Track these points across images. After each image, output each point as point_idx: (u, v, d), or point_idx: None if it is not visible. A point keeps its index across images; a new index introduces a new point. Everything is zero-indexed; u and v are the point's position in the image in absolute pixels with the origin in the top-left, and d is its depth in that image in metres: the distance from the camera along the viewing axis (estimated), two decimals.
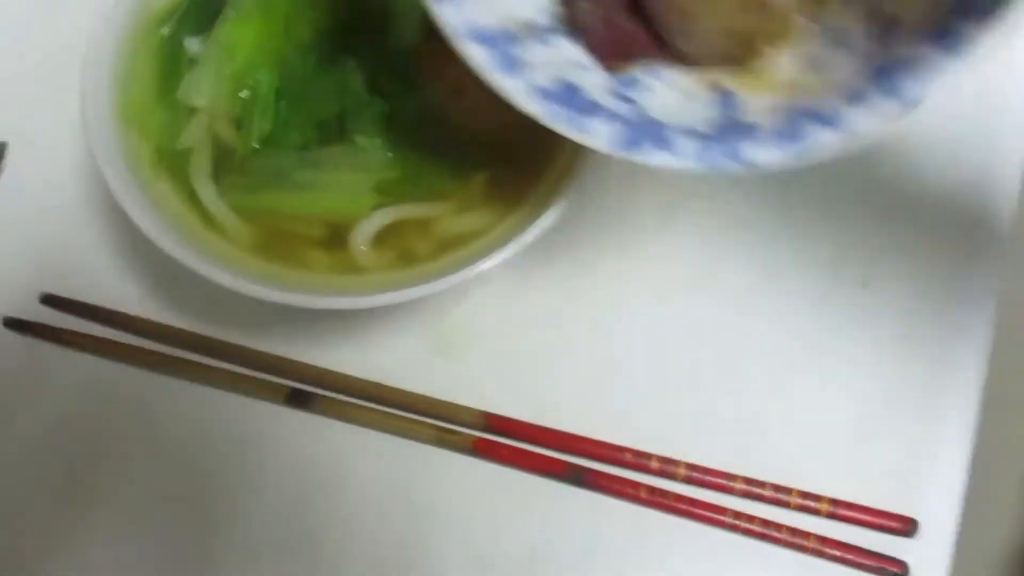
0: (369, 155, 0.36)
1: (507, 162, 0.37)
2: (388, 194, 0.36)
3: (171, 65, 0.38)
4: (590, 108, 0.29)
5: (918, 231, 0.43)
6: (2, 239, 0.43)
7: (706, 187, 0.44)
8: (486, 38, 0.29)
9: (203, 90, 0.36)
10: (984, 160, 0.44)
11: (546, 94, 0.29)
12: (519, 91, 0.28)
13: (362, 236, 0.35)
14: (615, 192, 0.43)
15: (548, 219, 0.33)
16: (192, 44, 0.38)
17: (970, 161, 0.44)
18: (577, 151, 0.35)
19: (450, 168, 0.37)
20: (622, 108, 0.30)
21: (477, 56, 0.28)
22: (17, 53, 0.46)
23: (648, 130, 0.29)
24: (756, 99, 0.30)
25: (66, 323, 0.42)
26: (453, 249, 0.35)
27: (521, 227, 0.34)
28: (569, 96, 0.29)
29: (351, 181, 0.36)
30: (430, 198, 0.36)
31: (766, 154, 0.28)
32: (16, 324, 0.42)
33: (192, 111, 0.37)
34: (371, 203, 0.36)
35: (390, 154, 0.36)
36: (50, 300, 0.42)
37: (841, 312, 0.42)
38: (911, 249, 0.43)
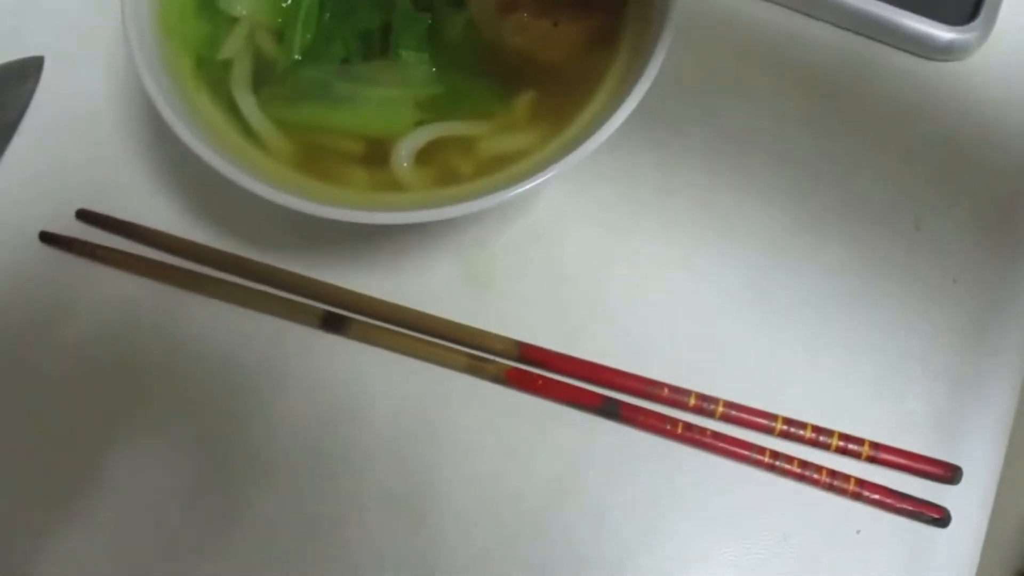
0: (413, 70, 0.35)
1: (554, 84, 0.35)
2: (431, 111, 0.35)
3: None
4: None
5: (972, 174, 0.42)
6: (39, 155, 0.43)
7: (754, 122, 0.43)
8: None
9: None
10: None
11: None
12: None
13: (404, 153, 0.34)
14: (662, 118, 0.42)
15: (591, 145, 0.32)
16: None
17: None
18: (625, 79, 0.34)
19: (495, 87, 0.35)
20: None
21: None
22: None
23: None
24: None
25: (100, 239, 0.41)
26: (495, 170, 0.34)
27: (564, 151, 0.32)
28: None
29: (393, 96, 0.35)
30: (474, 117, 0.35)
31: None
32: (51, 239, 0.41)
33: (233, 21, 0.36)
34: (413, 119, 0.35)
35: (434, 70, 0.36)
36: (85, 215, 0.42)
37: (889, 253, 0.41)
38: (965, 192, 0.42)
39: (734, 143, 0.43)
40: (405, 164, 0.34)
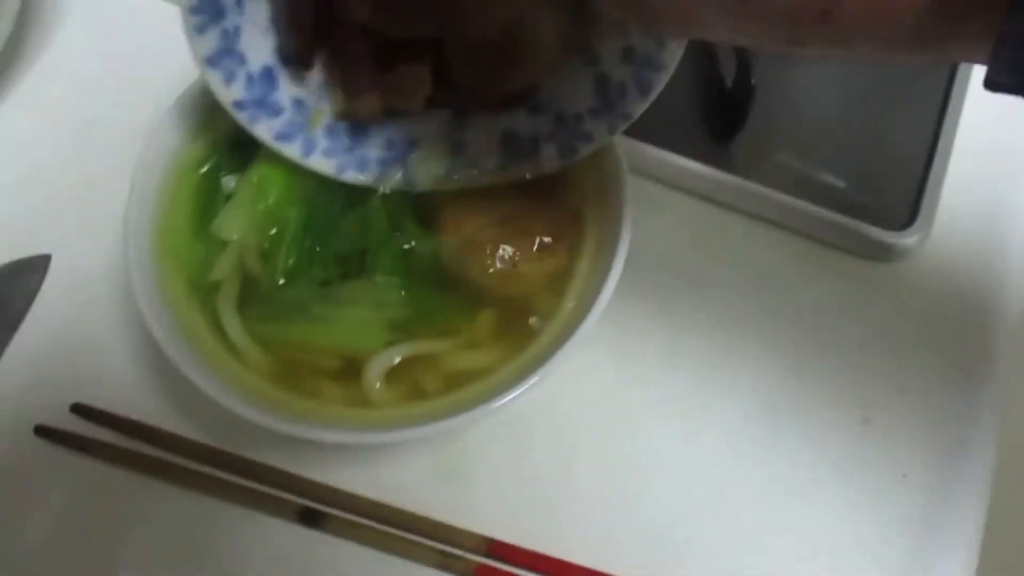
0: (385, 293, 0.38)
1: (515, 305, 0.38)
2: (401, 330, 0.37)
3: (208, 202, 0.40)
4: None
5: (920, 369, 0.45)
6: (39, 349, 0.45)
7: (709, 317, 0.45)
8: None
9: (235, 225, 0.38)
10: (984, 298, 0.46)
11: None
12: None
13: (375, 372, 0.36)
14: (620, 329, 0.44)
15: (554, 364, 0.35)
16: (229, 182, 0.40)
17: (970, 299, 0.46)
18: (583, 304, 0.37)
19: (460, 307, 0.38)
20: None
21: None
22: (66, 170, 0.49)
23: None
24: None
25: (93, 432, 0.43)
26: (461, 385, 0.37)
27: (529, 368, 0.35)
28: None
29: (366, 317, 0.37)
30: (440, 334, 0.38)
31: None
32: (46, 432, 0.43)
33: (224, 244, 0.39)
34: (384, 339, 0.37)
35: (403, 292, 0.38)
36: (80, 410, 0.44)
37: (839, 447, 0.42)
38: (912, 386, 0.44)
39: (691, 337, 0.45)
40: (376, 384, 0.36)
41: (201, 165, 0.41)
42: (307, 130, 0.39)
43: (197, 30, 0.36)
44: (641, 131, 0.46)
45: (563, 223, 0.39)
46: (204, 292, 0.39)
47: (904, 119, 0.49)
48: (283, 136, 0.38)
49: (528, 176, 0.40)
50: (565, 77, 0.39)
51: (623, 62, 0.38)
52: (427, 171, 0.40)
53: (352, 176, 0.40)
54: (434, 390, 0.37)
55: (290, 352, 0.38)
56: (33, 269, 0.47)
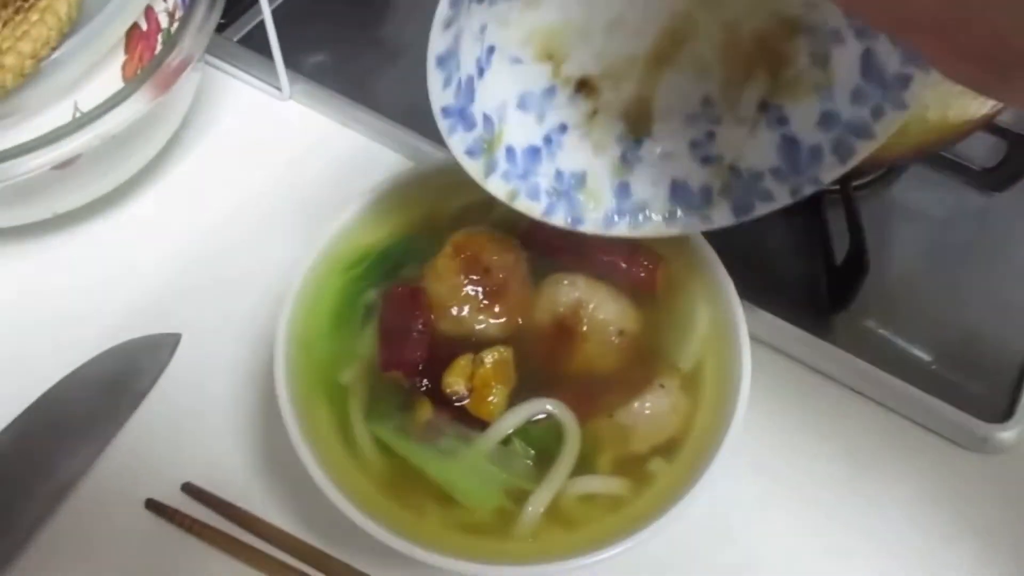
0: (516, 458, 0.37)
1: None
2: (513, 501, 0.37)
3: (348, 307, 0.41)
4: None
5: (1006, 563, 0.44)
6: (160, 424, 0.47)
7: (805, 482, 0.46)
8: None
9: None
10: None
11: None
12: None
13: (538, 506, 0.36)
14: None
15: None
16: (370, 295, 0.41)
17: None
18: (696, 455, 0.37)
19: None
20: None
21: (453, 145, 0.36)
22: (209, 255, 0.52)
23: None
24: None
25: (200, 513, 0.44)
26: (572, 529, 0.36)
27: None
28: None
29: (490, 472, 0.37)
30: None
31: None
32: (155, 506, 0.44)
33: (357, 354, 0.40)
34: (496, 501, 0.37)
35: (531, 464, 0.37)
36: (190, 489, 0.45)
37: None
38: None
39: (785, 500, 0.45)
40: (535, 519, 0.36)
41: (348, 269, 0.42)
42: (490, 149, 0.38)
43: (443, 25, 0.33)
44: (750, 292, 0.48)
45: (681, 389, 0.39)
46: (336, 392, 0.39)
47: (1009, 305, 0.50)
48: (471, 152, 0.37)
49: (699, 229, 0.39)
50: (747, 134, 0.39)
51: (820, 126, 0.36)
52: (591, 212, 0.39)
53: (524, 205, 0.38)
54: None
55: (404, 466, 0.38)
56: (163, 346, 0.50)
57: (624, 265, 0.41)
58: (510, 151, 0.38)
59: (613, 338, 0.39)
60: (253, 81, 0.59)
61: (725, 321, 0.40)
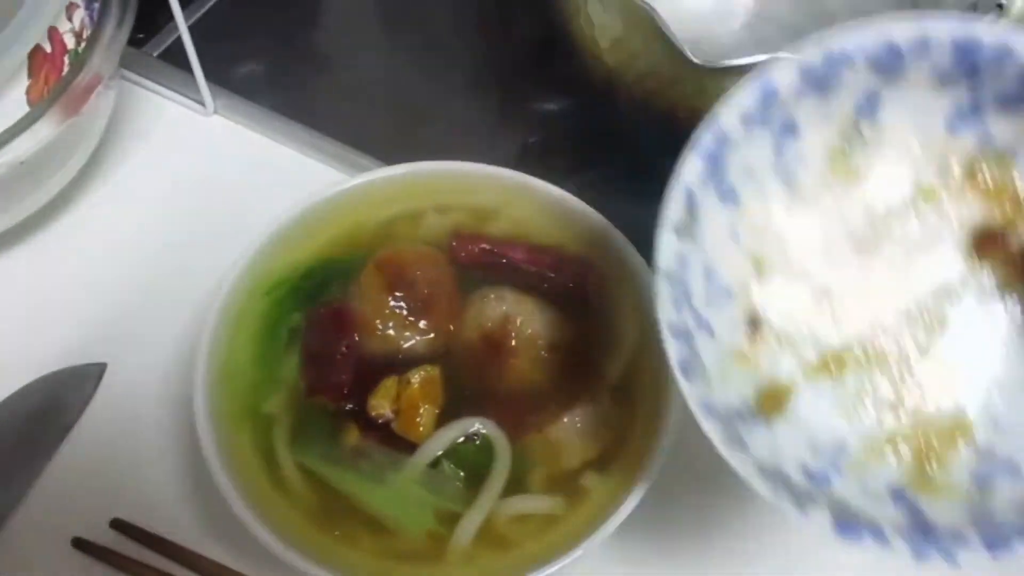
0: (446, 482, 0.36)
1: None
2: (445, 525, 0.36)
3: (271, 332, 0.40)
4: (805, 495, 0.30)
5: None
6: (85, 459, 0.45)
7: None
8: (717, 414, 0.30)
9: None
10: None
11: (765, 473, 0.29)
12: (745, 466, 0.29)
13: (468, 531, 0.35)
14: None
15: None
16: (295, 317, 0.40)
17: None
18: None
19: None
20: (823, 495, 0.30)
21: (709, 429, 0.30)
22: (135, 282, 0.50)
23: (858, 523, 0.29)
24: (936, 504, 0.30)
25: (131, 549, 0.42)
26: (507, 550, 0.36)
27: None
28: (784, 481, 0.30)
29: (419, 496, 0.36)
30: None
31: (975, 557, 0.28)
32: (83, 545, 0.42)
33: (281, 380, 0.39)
34: (427, 525, 0.36)
35: (462, 487, 0.36)
36: (119, 525, 0.43)
37: None
38: None
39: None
40: (465, 543, 0.35)
41: (268, 292, 0.41)
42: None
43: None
44: None
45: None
46: (260, 420, 0.38)
47: None
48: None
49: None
50: None
51: None
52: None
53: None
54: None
55: (332, 494, 0.36)
56: (88, 377, 0.48)
57: (552, 275, 0.40)
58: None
59: (542, 352, 0.39)
60: (175, 96, 0.57)
61: (656, 329, 0.39)
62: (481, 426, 0.37)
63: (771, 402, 0.32)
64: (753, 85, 0.31)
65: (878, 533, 0.29)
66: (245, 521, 0.34)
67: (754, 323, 0.33)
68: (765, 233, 0.33)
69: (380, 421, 0.37)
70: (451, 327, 0.39)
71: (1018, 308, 0.33)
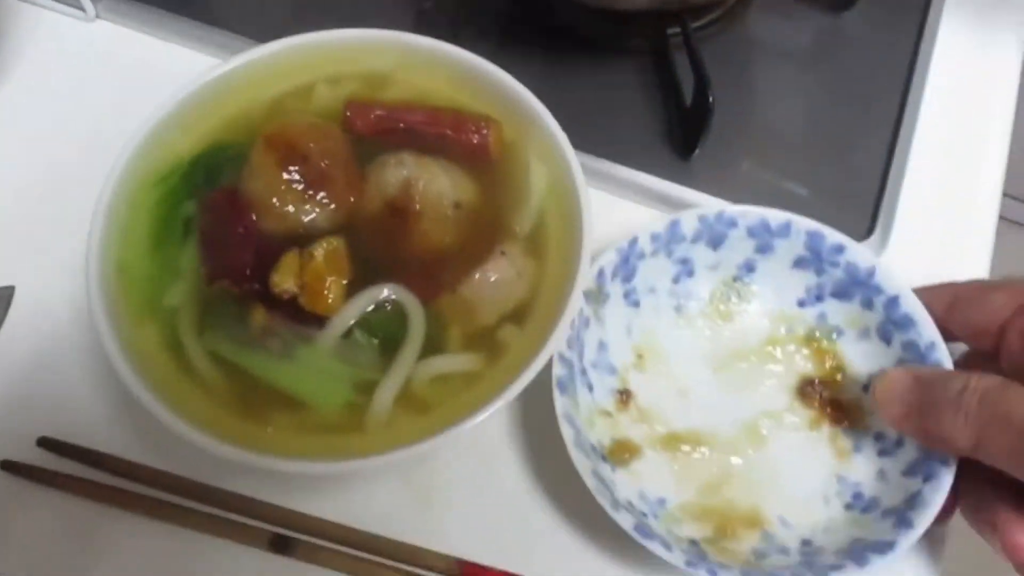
0: (361, 351, 0.35)
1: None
2: (363, 394, 0.35)
3: (166, 223, 0.38)
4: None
5: None
6: (4, 381, 0.43)
7: None
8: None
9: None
10: None
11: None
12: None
13: (386, 398, 0.35)
14: None
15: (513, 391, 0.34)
16: (188, 206, 0.38)
17: None
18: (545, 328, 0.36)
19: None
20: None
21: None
22: (32, 200, 0.48)
23: (653, 534, 0.36)
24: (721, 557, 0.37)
25: (61, 466, 0.41)
26: (428, 412, 0.35)
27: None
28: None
29: (333, 369, 0.35)
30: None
31: None
32: (11, 467, 0.41)
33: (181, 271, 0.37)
34: (345, 397, 0.35)
35: (379, 355, 0.35)
36: (46, 443, 0.42)
37: None
38: None
39: None
40: (386, 409, 0.35)
41: (160, 183, 0.39)
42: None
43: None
44: (602, 147, 0.46)
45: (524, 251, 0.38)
46: (163, 313, 0.37)
47: (863, 130, 0.49)
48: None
49: None
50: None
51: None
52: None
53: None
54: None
55: (246, 379, 0.35)
56: None
57: (452, 134, 0.39)
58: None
59: (448, 211, 0.37)
60: (53, 5, 0.53)
61: (562, 177, 0.38)
62: (391, 292, 0.36)
63: (621, 453, 0.40)
64: (667, 220, 0.41)
65: (666, 545, 0.35)
66: (154, 411, 0.33)
67: (625, 395, 0.41)
68: (652, 336, 0.43)
69: (285, 297, 0.35)
70: (351, 198, 0.38)
71: (820, 440, 0.41)
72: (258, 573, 0.40)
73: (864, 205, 0.46)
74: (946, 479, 0.36)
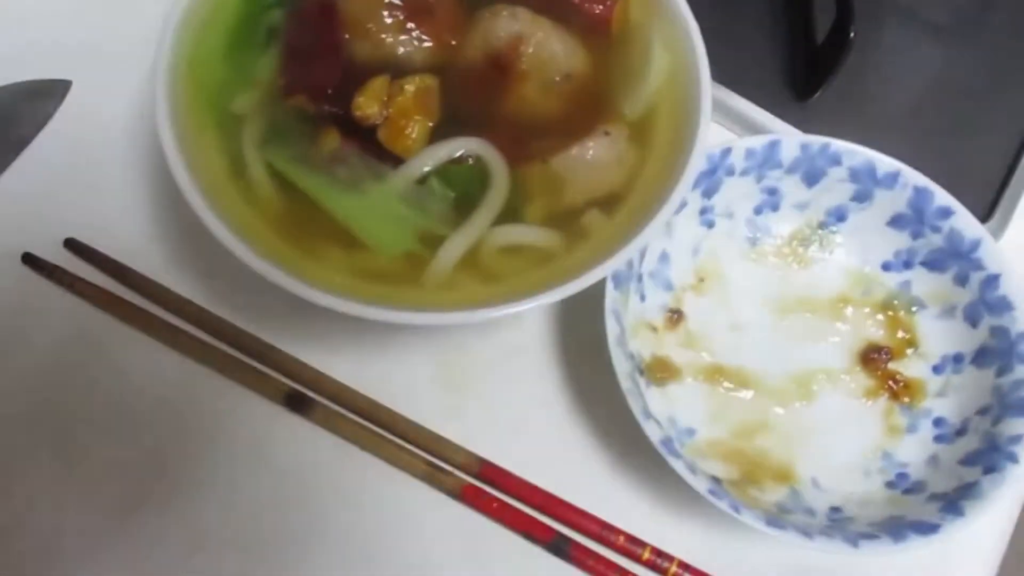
0: (433, 201, 0.32)
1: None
2: (427, 247, 0.31)
3: (248, 27, 0.35)
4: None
5: None
6: (42, 176, 0.41)
7: None
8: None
9: None
10: None
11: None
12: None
13: (451, 256, 0.31)
14: None
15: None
16: (275, 14, 0.34)
17: None
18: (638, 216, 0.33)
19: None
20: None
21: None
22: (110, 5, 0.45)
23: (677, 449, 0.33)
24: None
25: (84, 271, 0.39)
26: (492, 282, 0.32)
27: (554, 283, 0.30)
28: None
29: (400, 213, 0.31)
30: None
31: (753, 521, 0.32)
32: (33, 261, 0.39)
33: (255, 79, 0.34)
34: (405, 246, 0.31)
35: (452, 210, 0.32)
36: (73, 245, 0.39)
37: None
38: None
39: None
40: (450, 269, 0.31)
41: None
42: None
43: None
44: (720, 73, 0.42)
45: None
46: (228, 120, 0.33)
47: (999, 109, 0.45)
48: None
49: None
50: None
51: None
52: None
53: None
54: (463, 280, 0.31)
55: (304, 203, 0.32)
56: (50, 94, 0.43)
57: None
58: None
59: (555, 78, 0.34)
60: None
61: (685, 68, 0.34)
62: (478, 147, 0.32)
63: (658, 371, 0.38)
64: (766, 139, 0.38)
65: (692, 468, 0.33)
66: (200, 213, 0.30)
67: (676, 315, 0.39)
68: (718, 262, 0.40)
69: (364, 125, 0.32)
70: (453, 41, 0.34)
71: (874, 412, 0.39)
72: (269, 429, 0.37)
73: (987, 186, 0.42)
74: (1010, 473, 0.34)
